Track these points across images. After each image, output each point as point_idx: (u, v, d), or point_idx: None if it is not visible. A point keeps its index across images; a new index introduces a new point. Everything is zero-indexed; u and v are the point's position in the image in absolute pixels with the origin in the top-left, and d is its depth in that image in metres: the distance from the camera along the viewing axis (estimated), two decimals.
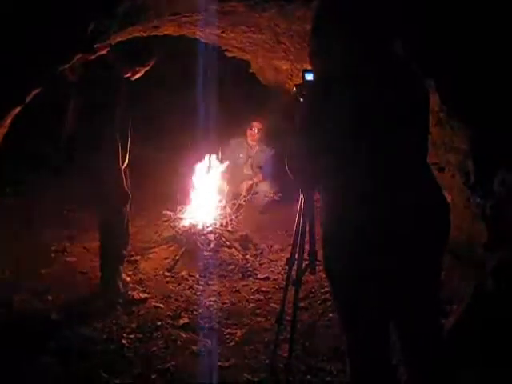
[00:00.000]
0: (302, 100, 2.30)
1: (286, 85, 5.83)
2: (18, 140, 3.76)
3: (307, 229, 2.79)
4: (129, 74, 3.89)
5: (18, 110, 3.13)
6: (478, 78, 3.02)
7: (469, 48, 2.98)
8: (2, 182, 6.05)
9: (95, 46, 3.19)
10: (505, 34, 2.92)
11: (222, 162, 6.14)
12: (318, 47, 2.10)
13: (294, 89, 2.39)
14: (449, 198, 2.50)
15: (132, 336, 3.50)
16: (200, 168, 5.82)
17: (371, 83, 1.92)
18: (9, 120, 3.13)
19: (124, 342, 3.42)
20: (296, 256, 2.83)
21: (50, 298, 3.95)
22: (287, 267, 2.93)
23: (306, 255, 2.84)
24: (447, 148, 3.44)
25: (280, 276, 4.55)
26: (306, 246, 2.83)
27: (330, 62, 2.02)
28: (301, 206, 2.75)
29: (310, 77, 2.28)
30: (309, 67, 2.30)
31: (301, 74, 2.40)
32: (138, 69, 3.93)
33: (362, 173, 1.93)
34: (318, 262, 2.81)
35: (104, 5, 2.89)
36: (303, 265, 2.85)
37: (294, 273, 2.89)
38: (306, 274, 2.92)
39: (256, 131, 6.56)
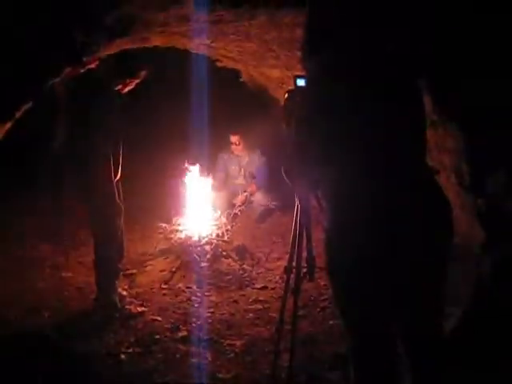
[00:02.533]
0: (295, 106, 2.27)
1: (277, 93, 5.83)
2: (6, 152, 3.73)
3: (304, 236, 2.76)
4: (120, 87, 3.88)
5: (8, 126, 3.11)
6: (470, 79, 3.01)
7: (461, 48, 2.98)
8: None
9: (84, 59, 3.17)
10: (498, 34, 2.91)
11: (211, 172, 6.14)
12: (310, 51, 2.10)
13: (286, 95, 2.37)
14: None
15: (130, 350, 3.47)
16: (191, 179, 5.78)
17: (367, 85, 1.92)
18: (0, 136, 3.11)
19: (122, 356, 3.39)
20: (294, 264, 2.80)
21: (46, 314, 3.92)
22: (285, 276, 2.89)
23: (304, 262, 2.81)
24: (441, 149, 3.43)
25: (278, 285, 4.52)
26: (304, 254, 2.80)
27: (324, 66, 2.01)
28: (297, 213, 2.72)
29: (301, 82, 2.26)
30: (300, 73, 2.28)
31: (292, 80, 2.38)
32: (128, 81, 3.92)
33: (364, 176, 1.91)
34: (316, 269, 2.78)
35: (91, 17, 2.87)
36: (301, 272, 2.82)
37: (292, 281, 2.86)
38: (305, 281, 2.89)
39: (237, 143, 6.56)
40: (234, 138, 6.52)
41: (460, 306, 2.95)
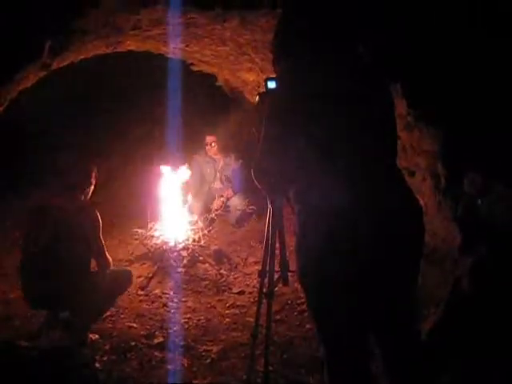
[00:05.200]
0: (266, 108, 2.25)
1: (253, 96, 5.82)
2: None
3: (277, 240, 2.74)
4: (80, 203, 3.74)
5: None
6: (443, 81, 3.02)
7: (434, 51, 2.99)
8: None
9: (53, 61, 3.14)
10: (470, 35, 2.93)
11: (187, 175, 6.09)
12: (281, 53, 2.10)
13: (257, 98, 2.35)
14: (421, 203, 2.49)
15: (105, 358, 3.42)
16: (165, 183, 5.70)
17: (337, 89, 1.92)
18: None
19: (97, 365, 3.33)
20: (267, 268, 2.78)
21: (17, 323, 3.84)
22: (259, 280, 2.87)
23: (277, 266, 2.79)
24: (416, 152, 3.44)
25: (255, 289, 4.49)
26: (278, 258, 2.78)
27: (295, 68, 2.00)
28: (269, 217, 2.70)
29: (272, 85, 2.24)
30: (272, 75, 2.26)
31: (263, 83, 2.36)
32: (87, 190, 3.76)
33: (335, 181, 1.91)
34: (290, 273, 2.76)
35: (58, 20, 2.82)
36: (275, 276, 2.79)
37: (266, 285, 2.83)
38: (280, 285, 2.87)
39: (213, 145, 6.47)
40: (209, 139, 6.45)
41: (438, 308, 2.96)
